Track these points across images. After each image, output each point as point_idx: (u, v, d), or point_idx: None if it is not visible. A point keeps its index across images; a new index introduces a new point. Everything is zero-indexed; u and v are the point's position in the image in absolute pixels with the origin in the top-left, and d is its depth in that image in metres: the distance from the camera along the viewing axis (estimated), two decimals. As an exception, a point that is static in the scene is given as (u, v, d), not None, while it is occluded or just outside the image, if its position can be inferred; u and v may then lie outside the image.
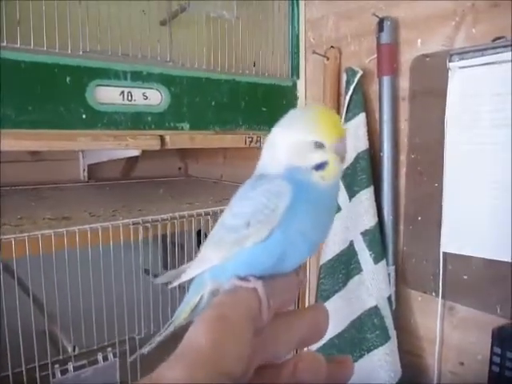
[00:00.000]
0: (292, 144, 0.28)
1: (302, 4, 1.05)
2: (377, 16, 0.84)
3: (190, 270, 0.33)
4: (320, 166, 0.27)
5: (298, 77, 1.06)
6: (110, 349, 0.79)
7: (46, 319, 0.73)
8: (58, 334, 0.75)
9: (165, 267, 1.15)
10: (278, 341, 0.25)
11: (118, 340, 0.80)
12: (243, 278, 0.27)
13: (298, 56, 1.06)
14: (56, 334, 0.75)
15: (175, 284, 0.35)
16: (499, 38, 0.68)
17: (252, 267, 0.27)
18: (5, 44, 0.67)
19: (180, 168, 1.58)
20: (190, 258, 0.96)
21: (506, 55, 0.66)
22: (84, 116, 0.75)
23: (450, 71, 0.74)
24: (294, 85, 1.06)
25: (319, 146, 0.27)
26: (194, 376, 0.20)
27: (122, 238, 0.75)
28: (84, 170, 1.31)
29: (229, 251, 0.29)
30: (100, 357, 0.77)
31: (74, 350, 0.75)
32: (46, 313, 0.72)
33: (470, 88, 0.72)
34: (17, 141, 0.69)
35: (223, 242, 0.30)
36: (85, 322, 0.76)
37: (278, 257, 0.27)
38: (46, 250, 0.69)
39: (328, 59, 0.95)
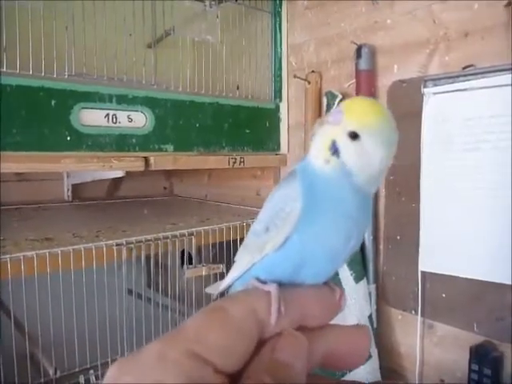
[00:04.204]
0: None
1: (284, 30, 1.08)
2: (355, 43, 0.87)
3: (227, 278, 0.32)
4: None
5: (280, 100, 1.09)
6: (92, 371, 0.79)
7: (27, 342, 0.72)
8: (40, 356, 0.74)
9: (149, 287, 1.15)
10: None
11: (101, 362, 0.79)
12: (262, 281, 0.26)
13: (281, 80, 1.09)
14: (37, 357, 0.74)
15: (216, 292, 0.35)
16: (469, 66, 0.72)
17: (272, 274, 0.26)
18: (-9, 69, 0.68)
19: (165, 187, 1.58)
20: (174, 278, 0.96)
21: (475, 82, 0.70)
22: (69, 138, 0.76)
23: (424, 96, 0.77)
24: (277, 107, 1.09)
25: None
26: (164, 351, 0.20)
27: (105, 259, 0.75)
28: (68, 189, 1.31)
29: (253, 257, 0.28)
30: (82, 379, 0.77)
31: (55, 373, 0.74)
32: (27, 335, 0.72)
33: (442, 113, 0.75)
34: (1, 163, 0.70)
35: (249, 248, 0.30)
36: (67, 344, 0.75)
37: (295, 265, 0.26)
38: (28, 272, 0.69)
39: (309, 83, 0.98)
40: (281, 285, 0.25)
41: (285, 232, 0.26)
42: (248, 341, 0.22)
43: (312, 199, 0.25)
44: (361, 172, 0.25)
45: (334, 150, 0.25)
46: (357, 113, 0.25)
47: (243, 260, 0.30)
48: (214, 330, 0.21)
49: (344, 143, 0.25)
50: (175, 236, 0.86)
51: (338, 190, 0.25)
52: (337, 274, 0.87)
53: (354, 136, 0.25)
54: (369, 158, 0.25)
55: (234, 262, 0.32)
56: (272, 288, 0.24)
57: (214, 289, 0.37)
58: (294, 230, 0.26)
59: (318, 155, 0.26)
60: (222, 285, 0.33)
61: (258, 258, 0.28)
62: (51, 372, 0.74)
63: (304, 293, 0.26)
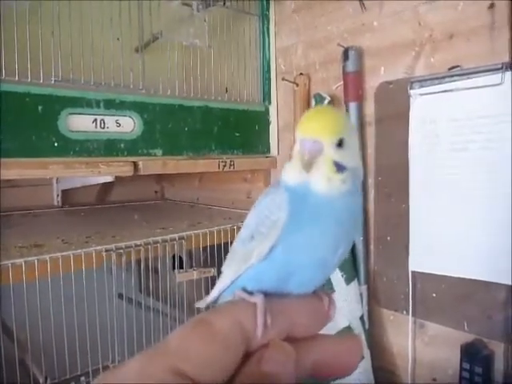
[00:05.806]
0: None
1: (272, 33, 1.08)
2: (342, 46, 0.87)
3: (214, 290, 0.32)
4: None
5: (269, 102, 1.09)
6: (83, 378, 0.78)
7: (17, 348, 0.72)
8: (29, 363, 0.73)
9: (140, 292, 1.14)
10: None
11: (92, 369, 0.78)
12: (248, 292, 0.26)
13: (270, 82, 1.09)
14: (27, 364, 0.74)
15: (202, 306, 0.35)
16: (455, 67, 0.72)
17: (259, 284, 0.26)
18: (-24, 75, 0.67)
19: (156, 191, 1.58)
20: (165, 283, 0.95)
21: (461, 83, 0.70)
22: (56, 144, 0.75)
23: (411, 98, 0.77)
24: (266, 110, 1.09)
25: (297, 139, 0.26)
26: (146, 368, 0.19)
27: (94, 264, 0.75)
28: (58, 195, 1.30)
29: (239, 267, 0.28)
30: (73, 387, 0.76)
31: (45, 381, 0.74)
32: (16, 342, 0.71)
33: (429, 114, 0.75)
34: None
35: (235, 257, 0.29)
36: (57, 350, 0.75)
37: (282, 274, 0.26)
38: (17, 279, 0.68)
39: (298, 85, 0.98)
40: (268, 295, 0.25)
41: (270, 240, 0.25)
42: (233, 354, 0.22)
43: (298, 208, 0.25)
44: (360, 165, 0.27)
45: (340, 168, 0.25)
46: (322, 125, 0.25)
47: (230, 270, 0.29)
48: (198, 344, 0.21)
49: (340, 155, 0.25)
50: (165, 240, 0.85)
51: (326, 199, 0.25)
52: (328, 276, 0.87)
53: (340, 144, 0.25)
54: (355, 149, 0.27)
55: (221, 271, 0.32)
56: (258, 299, 0.24)
57: (204, 303, 0.37)
58: (280, 239, 0.25)
59: (325, 180, 0.25)
60: (210, 297, 0.33)
61: (244, 268, 0.27)
62: (41, 380, 0.73)
63: (291, 303, 0.26)
